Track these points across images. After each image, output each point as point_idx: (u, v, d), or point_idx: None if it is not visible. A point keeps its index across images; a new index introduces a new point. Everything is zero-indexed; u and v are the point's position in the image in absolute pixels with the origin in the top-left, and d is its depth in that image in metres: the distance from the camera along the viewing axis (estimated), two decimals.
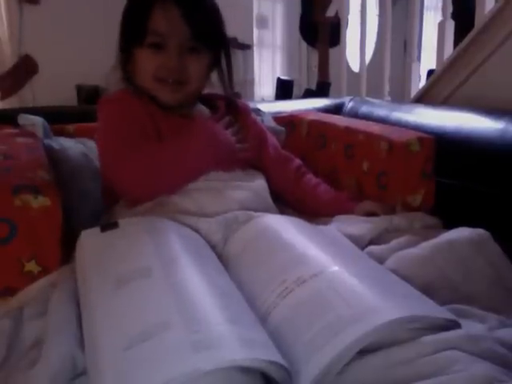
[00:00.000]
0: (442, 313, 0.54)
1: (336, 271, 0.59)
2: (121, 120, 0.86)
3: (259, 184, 0.90)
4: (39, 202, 0.67)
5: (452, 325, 0.53)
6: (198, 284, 0.56)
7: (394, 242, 0.76)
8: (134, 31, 0.86)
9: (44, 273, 0.66)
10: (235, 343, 0.45)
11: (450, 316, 0.54)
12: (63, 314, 0.58)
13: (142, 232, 0.68)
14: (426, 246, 0.72)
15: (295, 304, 0.55)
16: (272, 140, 1.05)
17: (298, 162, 1.04)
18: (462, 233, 0.73)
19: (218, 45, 0.92)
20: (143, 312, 0.51)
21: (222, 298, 0.54)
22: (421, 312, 0.52)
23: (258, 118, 1.11)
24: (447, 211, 0.92)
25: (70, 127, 1.10)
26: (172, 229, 0.71)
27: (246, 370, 0.46)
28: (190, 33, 0.84)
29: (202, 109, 0.97)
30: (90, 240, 0.69)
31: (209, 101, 0.98)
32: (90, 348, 0.51)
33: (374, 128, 1.05)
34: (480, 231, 0.74)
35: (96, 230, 0.69)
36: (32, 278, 0.66)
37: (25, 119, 1.02)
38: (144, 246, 0.64)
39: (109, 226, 0.70)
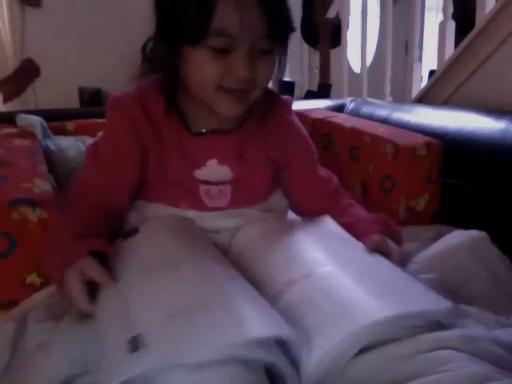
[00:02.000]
0: (434, 303, 0.54)
1: (327, 272, 0.59)
2: (108, 144, 0.74)
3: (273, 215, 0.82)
4: (37, 214, 0.67)
5: (449, 323, 0.53)
6: (221, 273, 0.59)
7: None
8: (190, 27, 0.64)
9: (46, 284, 0.66)
10: (265, 319, 0.50)
11: (445, 305, 0.53)
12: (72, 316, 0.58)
13: (164, 231, 0.69)
14: (423, 257, 0.71)
15: (285, 306, 0.56)
16: (310, 156, 0.86)
17: (335, 182, 0.87)
18: (458, 239, 0.73)
19: (288, 39, 0.72)
20: (176, 295, 0.53)
21: (241, 286, 0.57)
22: (410, 309, 0.52)
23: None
24: (448, 211, 0.92)
25: (70, 125, 1.10)
26: (190, 226, 0.73)
27: (251, 368, 0.47)
28: (267, 31, 0.65)
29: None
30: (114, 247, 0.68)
31: None
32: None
33: (381, 130, 1.05)
34: (476, 234, 0.74)
35: (118, 240, 0.68)
36: (35, 289, 0.66)
37: (23, 119, 1.02)
38: (168, 240, 0.66)
39: (130, 232, 0.70)
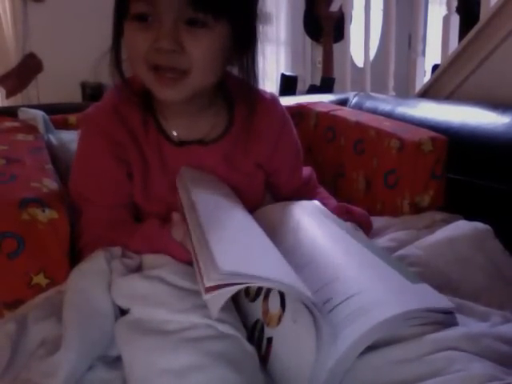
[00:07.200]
0: (438, 301, 0.53)
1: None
2: (93, 171, 0.71)
3: None
4: (47, 215, 0.66)
5: (451, 318, 0.53)
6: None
7: (391, 236, 0.76)
8: None
9: (52, 285, 0.66)
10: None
11: (445, 304, 0.53)
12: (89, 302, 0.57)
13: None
14: (425, 246, 0.71)
15: None
16: (297, 163, 0.85)
17: (313, 178, 0.90)
18: (461, 230, 0.73)
19: (235, 15, 0.66)
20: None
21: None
22: (418, 306, 0.51)
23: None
24: (451, 206, 0.91)
25: (72, 118, 1.09)
26: None
27: (238, 369, 0.47)
28: None
29: (212, 123, 0.74)
30: None
31: (225, 93, 0.75)
32: None
33: (386, 124, 1.04)
34: (479, 226, 0.73)
35: None
36: (40, 290, 0.65)
37: (25, 113, 1.02)
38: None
39: None
